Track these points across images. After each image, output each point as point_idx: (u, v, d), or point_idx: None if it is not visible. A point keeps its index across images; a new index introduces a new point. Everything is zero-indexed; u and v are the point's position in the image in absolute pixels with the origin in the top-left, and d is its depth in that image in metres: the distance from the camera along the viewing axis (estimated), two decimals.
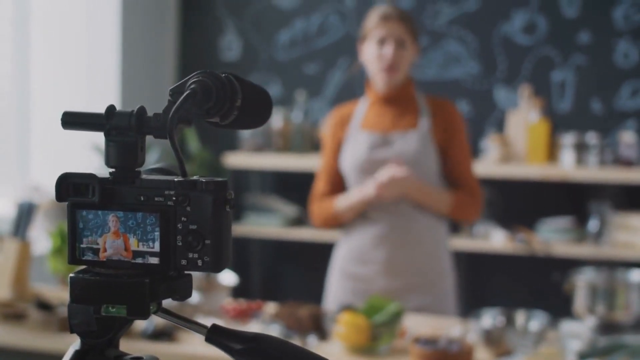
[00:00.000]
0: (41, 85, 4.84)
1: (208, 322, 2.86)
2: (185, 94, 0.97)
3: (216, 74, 0.99)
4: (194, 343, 2.87)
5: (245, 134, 5.04)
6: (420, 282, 3.26)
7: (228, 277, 3.37)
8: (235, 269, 4.90)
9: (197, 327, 1.02)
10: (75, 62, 4.88)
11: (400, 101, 3.28)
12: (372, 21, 3.22)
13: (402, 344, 2.84)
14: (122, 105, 4.80)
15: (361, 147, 3.26)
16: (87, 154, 4.63)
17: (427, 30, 4.96)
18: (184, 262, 0.98)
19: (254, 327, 2.99)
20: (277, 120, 5.01)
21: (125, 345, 3.05)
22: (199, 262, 0.98)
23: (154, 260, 0.99)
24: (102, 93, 4.84)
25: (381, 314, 2.82)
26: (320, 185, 3.41)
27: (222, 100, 1.00)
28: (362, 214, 3.27)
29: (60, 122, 1.01)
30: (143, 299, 0.98)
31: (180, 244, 0.98)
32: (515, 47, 4.89)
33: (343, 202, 3.28)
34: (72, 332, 1.01)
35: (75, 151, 4.78)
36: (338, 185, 3.37)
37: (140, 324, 2.93)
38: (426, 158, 3.21)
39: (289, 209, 5.07)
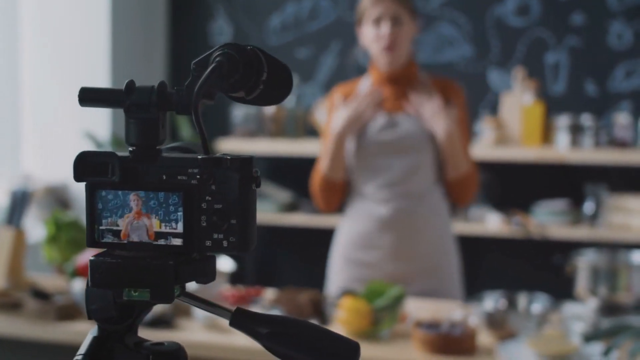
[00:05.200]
0: (32, 73, 4.78)
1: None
2: (211, 67, 0.93)
3: (242, 46, 0.95)
4: (193, 330, 2.84)
5: (238, 119, 5.00)
6: (426, 266, 3.23)
7: (225, 263, 3.33)
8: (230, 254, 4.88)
9: (221, 311, 0.99)
10: (65, 50, 4.83)
11: (403, 81, 3.24)
12: (366, 2, 3.17)
13: (404, 328, 2.82)
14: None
15: (364, 128, 3.21)
16: (79, 142, 4.58)
17: (419, 13, 4.92)
18: (208, 243, 0.94)
19: None
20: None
21: None
22: (224, 243, 0.94)
23: (177, 242, 0.95)
24: (93, 79, 4.79)
25: (382, 298, 2.80)
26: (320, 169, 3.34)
27: (249, 73, 0.96)
28: (365, 197, 3.22)
29: (77, 99, 0.96)
30: (167, 282, 0.94)
31: (204, 224, 0.94)
32: (509, 29, 4.86)
33: (323, 157, 3.24)
34: (90, 318, 0.97)
35: (66, 139, 4.73)
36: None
37: None
38: (430, 139, 3.17)
39: (283, 195, 5.04)
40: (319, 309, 2.92)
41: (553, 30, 4.80)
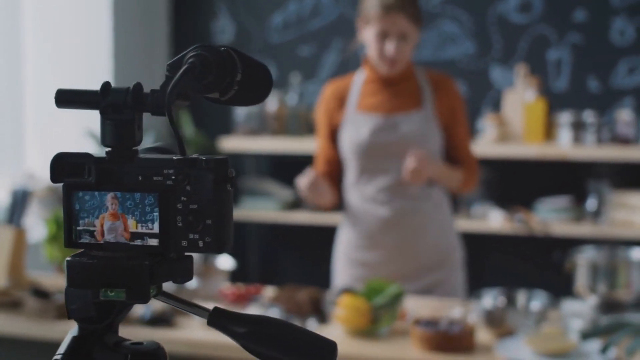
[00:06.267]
0: (34, 71, 4.79)
1: (207, 306, 2.84)
2: (183, 68, 0.94)
3: (215, 47, 0.96)
4: (193, 328, 2.84)
5: (240, 117, 5.00)
6: (430, 263, 3.22)
7: (226, 262, 3.34)
8: (232, 253, 4.88)
9: (199, 310, 0.99)
10: (68, 49, 4.84)
11: (400, 80, 3.20)
12: (374, 9, 3.06)
13: (403, 325, 2.82)
14: None
15: (363, 130, 3.16)
16: (82, 141, 4.59)
17: (421, 11, 4.90)
18: (184, 243, 0.95)
19: (253, 311, 2.96)
20: (272, 103, 4.97)
21: (123, 331, 3.01)
22: (200, 243, 0.94)
23: (154, 242, 0.95)
24: (95, 79, 4.80)
25: (381, 296, 2.80)
26: (317, 169, 3.33)
27: (222, 74, 0.96)
28: (365, 198, 3.22)
29: (54, 100, 0.97)
30: (143, 282, 0.95)
31: (180, 224, 0.95)
32: (511, 26, 4.86)
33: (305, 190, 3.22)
34: (69, 317, 0.98)
35: (70, 138, 4.74)
36: (335, 168, 3.30)
37: (138, 310, 2.90)
38: (430, 139, 3.15)
39: (285, 193, 5.04)
40: (318, 307, 2.92)
41: (555, 26, 4.79)
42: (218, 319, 0.98)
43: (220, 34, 5.33)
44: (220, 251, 0.94)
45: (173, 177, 0.94)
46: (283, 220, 5.01)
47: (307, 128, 4.99)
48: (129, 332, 2.92)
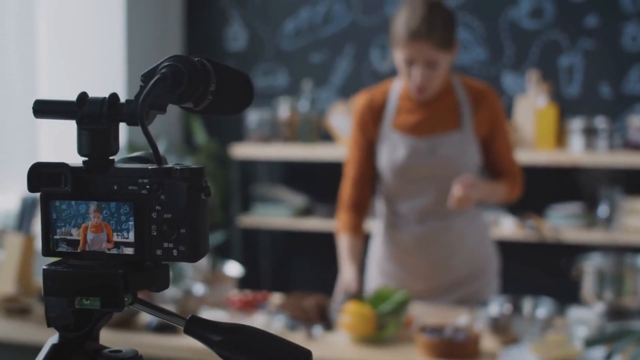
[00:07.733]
0: (48, 78, 4.83)
1: (214, 314, 2.84)
2: (155, 79, 0.95)
3: (188, 57, 0.97)
4: None
5: (252, 124, 5.01)
6: (465, 276, 3.18)
7: (234, 269, 3.35)
8: (243, 259, 4.89)
9: (175, 318, 1.00)
10: (81, 55, 4.87)
11: (437, 97, 3.07)
12: (400, 35, 2.92)
13: (409, 332, 2.82)
14: (127, 96, 4.78)
15: (399, 152, 3.06)
16: None
17: (454, 33, 4.91)
18: (159, 252, 0.96)
19: (259, 318, 2.97)
20: (283, 110, 4.98)
21: (130, 339, 3.00)
22: (174, 252, 0.95)
23: (129, 251, 0.96)
24: (108, 85, 4.83)
25: (387, 303, 2.80)
26: (346, 190, 3.20)
27: (195, 84, 0.97)
28: (400, 214, 3.16)
29: (32, 111, 0.98)
30: (117, 290, 0.96)
31: (155, 233, 0.95)
32: (522, 32, 4.85)
33: (340, 249, 3.17)
34: (49, 325, 0.99)
35: None
36: (367, 187, 3.19)
37: (145, 317, 2.92)
38: (468, 159, 3.07)
39: (297, 199, 5.05)
40: (324, 314, 2.93)
41: (567, 32, 4.78)
42: (194, 327, 0.99)
43: (233, 41, 5.35)
44: (194, 260, 0.95)
45: (147, 187, 0.95)
46: (295, 227, 5.01)
47: (319, 135, 5.00)
48: (135, 339, 2.93)
